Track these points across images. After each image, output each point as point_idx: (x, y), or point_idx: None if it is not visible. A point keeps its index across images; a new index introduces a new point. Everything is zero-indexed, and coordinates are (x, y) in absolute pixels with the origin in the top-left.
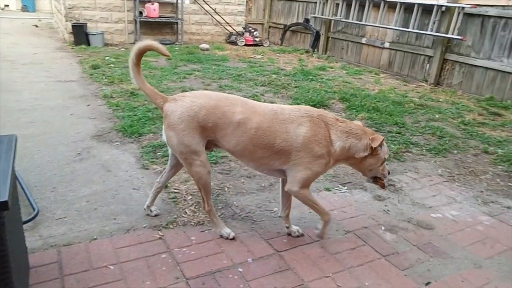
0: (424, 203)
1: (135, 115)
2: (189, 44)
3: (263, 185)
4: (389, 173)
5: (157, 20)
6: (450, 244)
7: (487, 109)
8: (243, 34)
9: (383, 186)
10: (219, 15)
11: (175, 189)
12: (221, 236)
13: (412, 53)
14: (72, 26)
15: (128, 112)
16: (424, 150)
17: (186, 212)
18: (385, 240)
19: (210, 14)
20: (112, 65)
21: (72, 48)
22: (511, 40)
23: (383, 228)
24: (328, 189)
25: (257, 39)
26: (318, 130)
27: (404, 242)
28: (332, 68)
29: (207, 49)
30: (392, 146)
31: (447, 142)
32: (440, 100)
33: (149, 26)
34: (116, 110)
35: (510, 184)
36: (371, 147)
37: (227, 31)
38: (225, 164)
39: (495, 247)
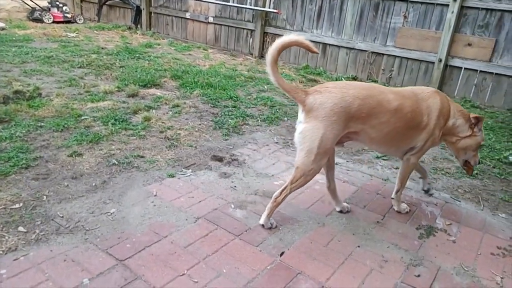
0: (266, 172)
1: None
2: None
3: (94, 184)
4: (479, 162)
5: None
6: (295, 209)
7: (305, 76)
8: (49, 10)
9: (470, 172)
10: None
11: None
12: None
13: (236, 27)
14: None
15: None
16: (259, 121)
17: None
18: (236, 219)
19: None
20: None
21: None
22: (317, 12)
23: (232, 206)
24: (171, 175)
25: (68, 16)
26: (445, 105)
27: (254, 216)
28: (159, 45)
29: (3, 28)
30: (230, 120)
31: (277, 110)
32: (266, 71)
33: None
34: None
35: None
36: (472, 125)
37: (28, 7)
38: (41, 167)
39: (332, 203)
